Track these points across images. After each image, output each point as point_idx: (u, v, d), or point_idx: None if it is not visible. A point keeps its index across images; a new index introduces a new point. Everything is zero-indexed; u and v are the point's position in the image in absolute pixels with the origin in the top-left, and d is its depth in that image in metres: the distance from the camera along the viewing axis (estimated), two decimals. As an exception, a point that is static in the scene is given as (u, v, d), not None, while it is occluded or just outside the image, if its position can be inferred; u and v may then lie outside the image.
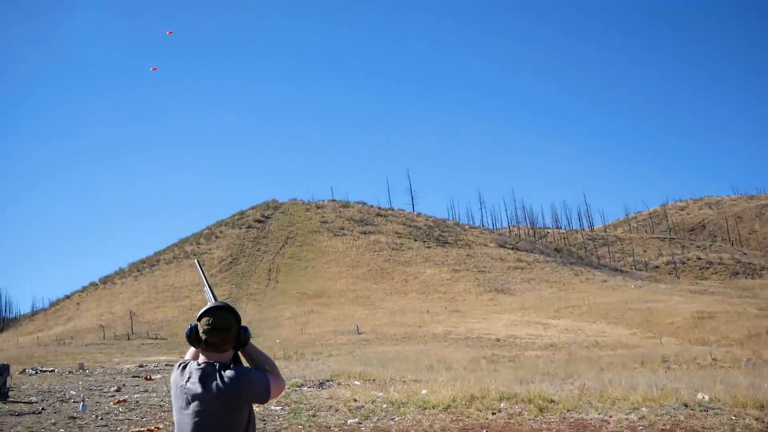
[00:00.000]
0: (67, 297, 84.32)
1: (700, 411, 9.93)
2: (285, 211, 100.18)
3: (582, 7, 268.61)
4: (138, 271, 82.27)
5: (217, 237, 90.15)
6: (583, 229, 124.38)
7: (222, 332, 2.89)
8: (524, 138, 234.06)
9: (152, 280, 75.97)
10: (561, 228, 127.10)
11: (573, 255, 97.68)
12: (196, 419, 2.83)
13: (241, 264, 79.16)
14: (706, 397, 10.74)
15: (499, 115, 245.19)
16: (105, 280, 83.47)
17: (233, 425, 2.85)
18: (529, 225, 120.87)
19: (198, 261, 3.85)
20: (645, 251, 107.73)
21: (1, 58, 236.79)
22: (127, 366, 26.21)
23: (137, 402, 13.49)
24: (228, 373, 2.85)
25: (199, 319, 2.93)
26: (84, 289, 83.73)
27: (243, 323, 3.02)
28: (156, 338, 50.01)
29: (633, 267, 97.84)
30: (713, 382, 12.91)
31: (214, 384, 2.82)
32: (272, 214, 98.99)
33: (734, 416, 9.43)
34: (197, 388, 2.84)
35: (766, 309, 45.82)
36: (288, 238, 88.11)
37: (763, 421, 8.98)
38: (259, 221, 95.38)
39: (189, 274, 73.79)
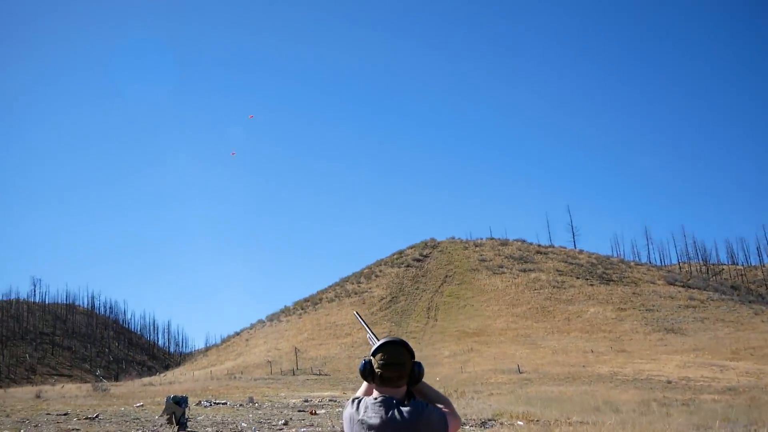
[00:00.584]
0: (237, 334, 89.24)
1: None
2: (443, 249, 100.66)
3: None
4: (302, 309, 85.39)
5: (376, 276, 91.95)
6: (764, 266, 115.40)
7: (397, 367, 2.85)
8: (693, 169, 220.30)
9: (315, 318, 78.56)
10: (738, 264, 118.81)
11: (752, 293, 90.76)
12: None
13: (401, 302, 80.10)
14: None
15: (664, 147, 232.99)
16: (271, 318, 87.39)
17: None
18: (701, 261, 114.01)
19: (357, 312, 3.83)
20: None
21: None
22: (293, 400, 27.11)
23: (303, 435, 13.85)
24: (406, 408, 2.80)
25: (373, 355, 2.91)
26: (252, 326, 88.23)
27: None
28: (319, 374, 51.43)
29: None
30: None
31: (392, 418, 2.77)
32: (430, 252, 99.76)
33: None
34: (376, 421, 2.79)
35: None
36: (446, 276, 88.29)
37: None
38: (418, 260, 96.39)
39: (350, 312, 75.67)
